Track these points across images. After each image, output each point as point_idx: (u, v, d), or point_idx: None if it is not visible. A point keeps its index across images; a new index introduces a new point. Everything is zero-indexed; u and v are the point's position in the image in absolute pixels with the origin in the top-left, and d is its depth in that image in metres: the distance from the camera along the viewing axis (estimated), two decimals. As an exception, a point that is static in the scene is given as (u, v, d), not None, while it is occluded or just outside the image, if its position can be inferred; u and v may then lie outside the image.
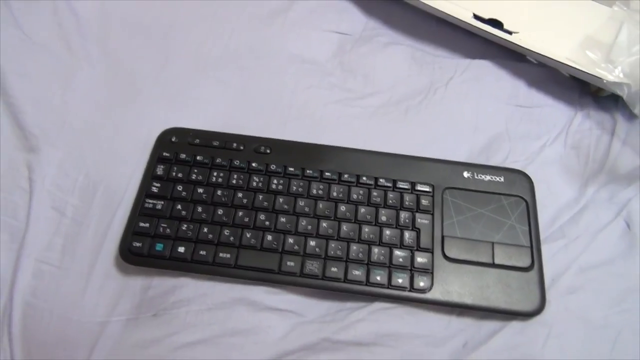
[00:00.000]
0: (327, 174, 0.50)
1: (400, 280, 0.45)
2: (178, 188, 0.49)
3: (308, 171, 0.50)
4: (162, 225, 0.47)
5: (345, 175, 0.50)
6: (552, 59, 0.58)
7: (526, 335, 0.44)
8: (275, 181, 0.49)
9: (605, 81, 0.55)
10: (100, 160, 0.52)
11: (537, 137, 0.57)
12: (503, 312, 0.45)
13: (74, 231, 0.48)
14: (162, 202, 0.48)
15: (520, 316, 0.45)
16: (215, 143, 0.52)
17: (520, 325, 0.45)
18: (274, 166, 0.50)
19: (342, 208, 0.48)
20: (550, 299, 0.46)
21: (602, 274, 0.48)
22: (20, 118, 0.53)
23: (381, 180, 0.50)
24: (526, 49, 0.59)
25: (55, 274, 0.46)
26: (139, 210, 0.47)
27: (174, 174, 0.49)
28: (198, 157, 0.50)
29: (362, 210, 0.48)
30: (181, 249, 0.45)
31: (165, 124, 0.54)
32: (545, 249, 0.48)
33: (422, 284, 0.45)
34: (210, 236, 0.46)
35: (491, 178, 0.51)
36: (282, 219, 0.47)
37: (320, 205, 0.48)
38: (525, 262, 0.47)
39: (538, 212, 0.50)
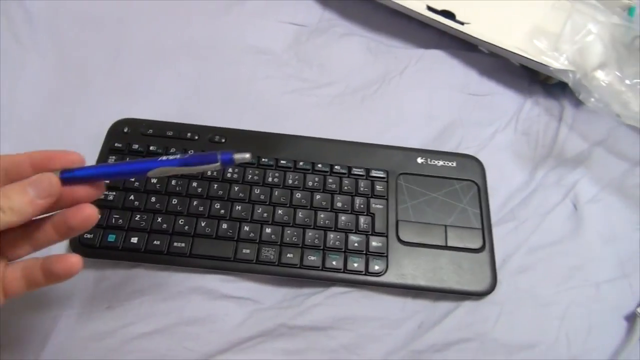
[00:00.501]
0: (282, 162, 0.50)
1: (355, 265, 0.46)
2: (131, 179, 0.48)
3: (263, 159, 0.50)
4: (115, 216, 0.46)
5: (301, 163, 0.50)
6: (502, 48, 0.59)
7: (479, 314, 0.46)
8: (230, 170, 0.49)
9: (551, 68, 0.57)
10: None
11: (489, 124, 0.59)
12: (456, 292, 0.46)
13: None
14: (114, 193, 0.47)
15: (473, 296, 0.46)
16: (169, 133, 0.51)
17: (473, 304, 0.46)
18: (229, 155, 0.50)
19: (298, 195, 0.49)
20: (501, 279, 0.47)
21: (551, 254, 0.49)
22: (-35, 111, 0.51)
23: (336, 167, 0.50)
24: (478, 39, 0.60)
25: (4, 268, 0.45)
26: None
27: (126, 164, 0.49)
28: (151, 147, 0.50)
29: (318, 196, 0.49)
30: (134, 240, 0.45)
31: (117, 116, 0.53)
32: (496, 231, 0.49)
33: (377, 267, 0.46)
34: (164, 226, 0.46)
35: (444, 163, 0.52)
36: (238, 207, 0.47)
37: (276, 193, 0.48)
38: (476, 243, 0.48)
39: (490, 196, 0.51)
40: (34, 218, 0.31)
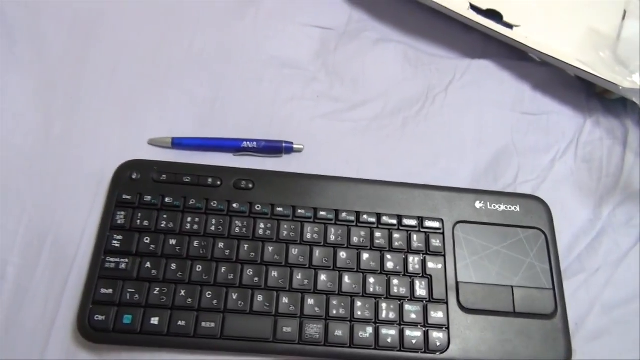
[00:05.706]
0: (322, 212, 0.43)
1: (414, 341, 0.39)
2: (145, 240, 0.40)
3: (299, 210, 0.43)
4: (129, 290, 0.38)
5: (344, 214, 0.43)
6: (561, 60, 0.51)
7: (553, 394, 0.40)
8: (262, 225, 0.42)
9: (621, 88, 0.50)
10: (44, 205, 0.43)
11: (546, 150, 0.51)
12: (528, 368, 0.40)
13: (18, 300, 0.39)
14: (127, 260, 0.39)
15: (546, 371, 0.40)
16: (187, 179, 0.43)
17: (546, 381, 0.40)
18: (259, 206, 0.42)
19: (342, 255, 0.42)
20: (576, 348, 0.41)
21: (626, 314, 0.44)
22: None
23: (384, 217, 0.43)
24: (531, 48, 0.52)
25: (-1, 356, 0.38)
26: (98, 272, 0.39)
27: (138, 221, 0.41)
28: (167, 199, 0.42)
29: (365, 256, 0.42)
30: (154, 320, 0.38)
31: (120, 151, 0.44)
32: (565, 286, 0.43)
33: (438, 343, 0.39)
34: (189, 300, 0.38)
35: (506, 207, 0.45)
36: (274, 273, 0.40)
37: (317, 253, 0.41)
38: (548, 307, 0.42)
39: (554, 239, 0.45)
40: None
